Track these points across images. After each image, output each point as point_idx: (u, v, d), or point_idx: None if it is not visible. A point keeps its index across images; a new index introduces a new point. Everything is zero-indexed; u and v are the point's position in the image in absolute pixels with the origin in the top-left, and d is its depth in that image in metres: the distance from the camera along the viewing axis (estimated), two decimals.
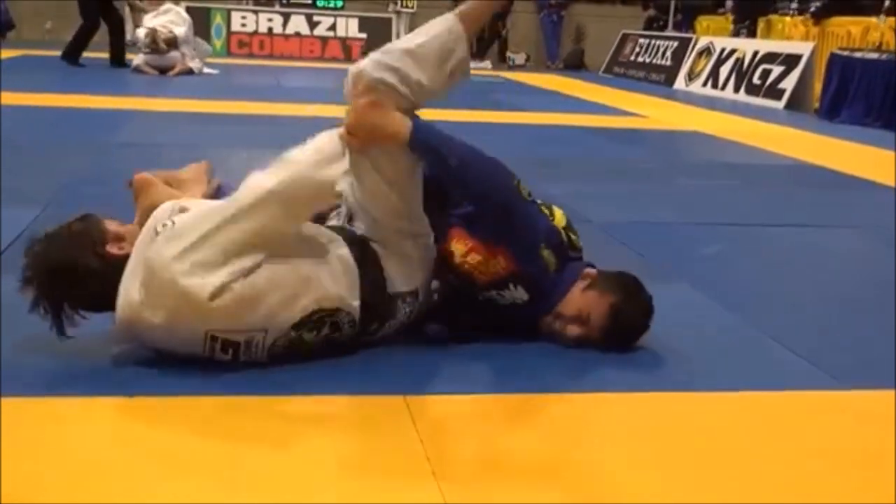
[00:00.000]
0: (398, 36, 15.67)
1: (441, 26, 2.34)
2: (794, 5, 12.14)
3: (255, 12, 15.51)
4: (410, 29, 16.46)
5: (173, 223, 2.10)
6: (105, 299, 2.12)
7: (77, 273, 2.12)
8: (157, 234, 2.09)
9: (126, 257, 2.14)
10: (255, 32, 15.37)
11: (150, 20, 10.84)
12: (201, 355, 2.11)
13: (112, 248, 2.16)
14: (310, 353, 2.20)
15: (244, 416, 1.97)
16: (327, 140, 2.26)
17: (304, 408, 2.04)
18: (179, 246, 2.05)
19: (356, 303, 2.21)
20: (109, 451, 1.80)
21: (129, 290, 2.10)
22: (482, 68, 15.44)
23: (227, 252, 2.06)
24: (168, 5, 11.19)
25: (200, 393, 2.06)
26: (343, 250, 2.23)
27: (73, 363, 2.17)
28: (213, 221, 2.08)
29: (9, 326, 2.29)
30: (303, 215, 2.23)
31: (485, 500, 1.69)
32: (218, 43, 14.67)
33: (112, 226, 2.22)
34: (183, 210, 2.18)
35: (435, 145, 2.30)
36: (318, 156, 2.21)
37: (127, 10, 11.97)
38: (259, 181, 2.15)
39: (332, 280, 2.18)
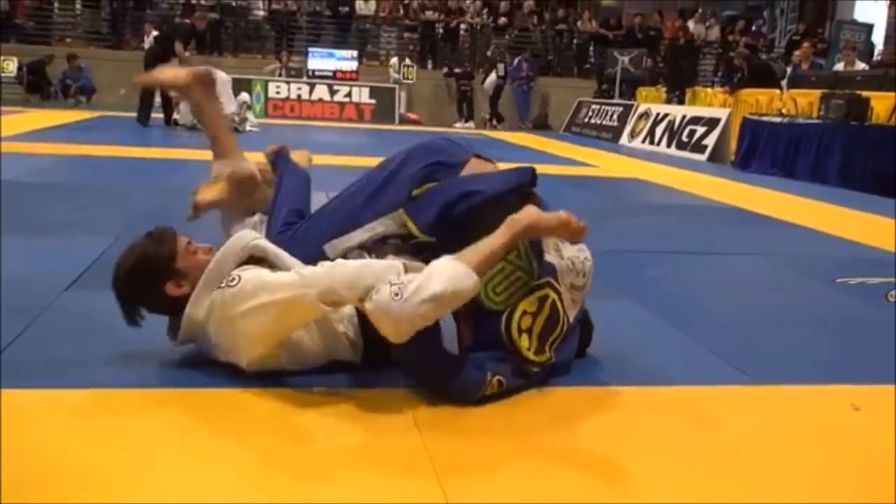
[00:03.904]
0: (400, 101, 15.74)
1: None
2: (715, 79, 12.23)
3: (288, 83, 15.61)
4: (409, 97, 16.54)
5: (239, 279, 1.93)
6: (160, 310, 2.04)
7: (137, 298, 2.02)
8: (227, 283, 1.94)
9: (184, 297, 1.97)
10: (288, 98, 15.46)
11: None
12: None
13: (171, 289, 1.98)
14: None
15: (246, 409, 1.83)
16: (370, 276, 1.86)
17: (306, 401, 1.89)
18: (237, 309, 1.90)
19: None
20: (123, 441, 1.67)
21: (194, 313, 1.96)
22: (467, 128, 15.52)
23: (266, 333, 1.91)
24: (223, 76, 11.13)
25: (204, 385, 1.96)
26: (350, 327, 2.04)
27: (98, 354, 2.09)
28: (265, 298, 1.87)
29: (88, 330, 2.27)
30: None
31: (485, 494, 1.55)
32: (257, 106, 14.71)
33: (182, 245, 2.02)
34: (257, 253, 2.02)
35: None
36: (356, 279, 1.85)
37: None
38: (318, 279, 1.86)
39: (341, 354, 2.06)
